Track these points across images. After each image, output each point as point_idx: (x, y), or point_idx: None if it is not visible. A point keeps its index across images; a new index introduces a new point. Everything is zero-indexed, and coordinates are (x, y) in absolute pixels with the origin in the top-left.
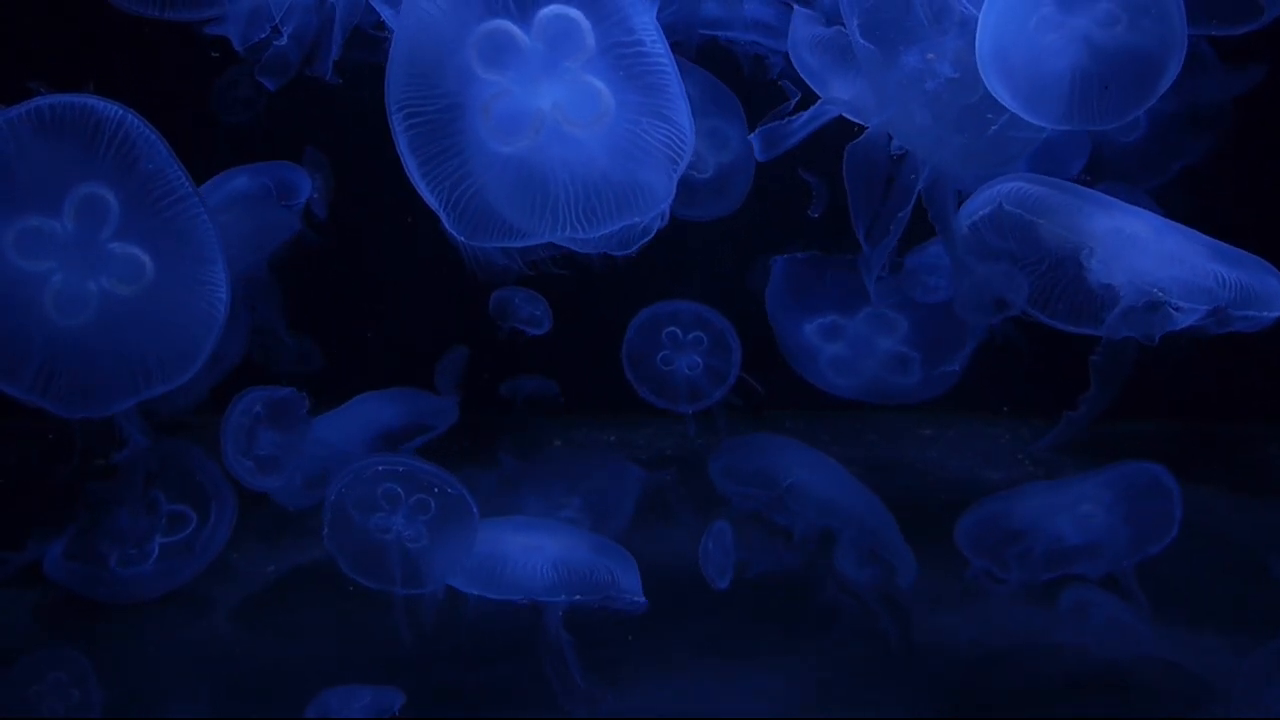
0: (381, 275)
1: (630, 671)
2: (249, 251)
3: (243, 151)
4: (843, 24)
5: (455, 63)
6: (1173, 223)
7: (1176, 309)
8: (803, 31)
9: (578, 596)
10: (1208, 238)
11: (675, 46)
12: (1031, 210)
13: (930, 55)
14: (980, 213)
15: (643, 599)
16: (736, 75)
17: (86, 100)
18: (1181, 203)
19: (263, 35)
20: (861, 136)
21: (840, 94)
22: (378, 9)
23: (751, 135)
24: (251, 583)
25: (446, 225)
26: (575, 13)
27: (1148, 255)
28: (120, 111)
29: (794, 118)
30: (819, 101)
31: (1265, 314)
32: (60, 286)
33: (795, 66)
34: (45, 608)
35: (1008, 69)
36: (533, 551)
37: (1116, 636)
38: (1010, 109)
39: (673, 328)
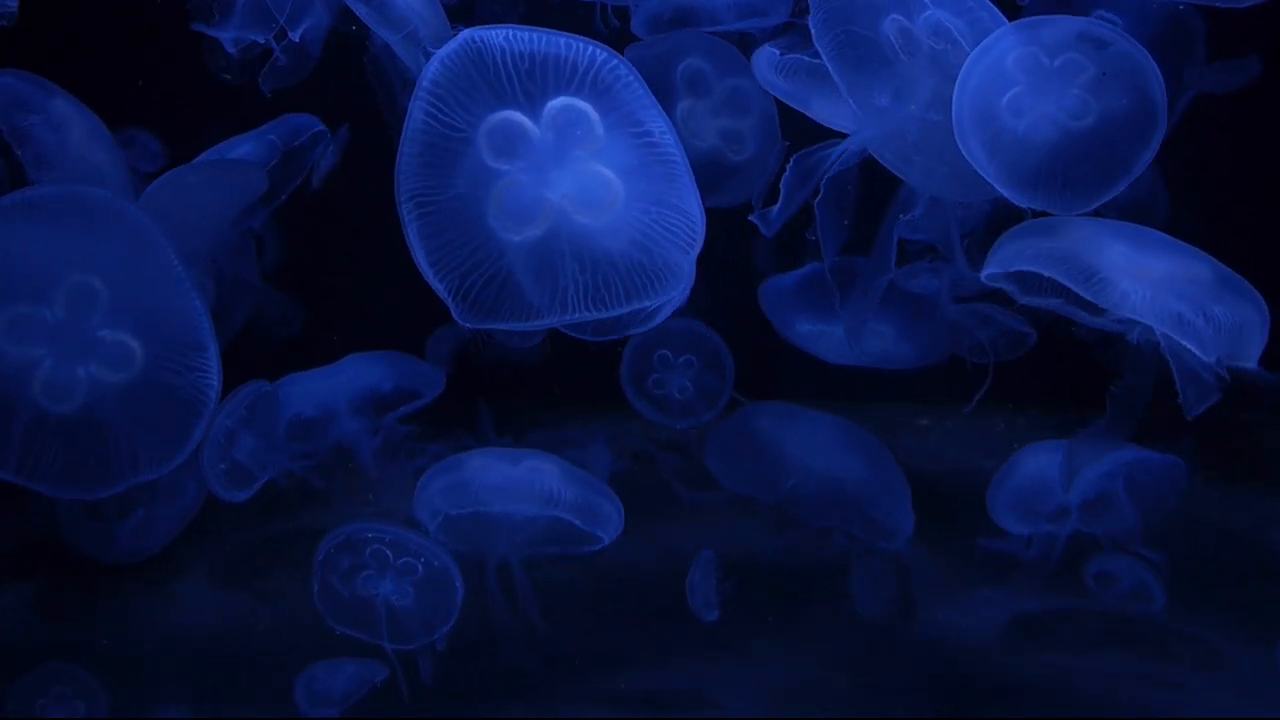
0: (382, 246)
1: (628, 665)
2: (223, 215)
3: (241, 112)
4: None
5: (465, 152)
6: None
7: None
8: (762, 57)
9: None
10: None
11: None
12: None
13: (911, 106)
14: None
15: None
16: None
17: (79, 189)
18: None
19: (259, 40)
20: (835, 168)
21: (822, 112)
22: (353, 8)
23: (751, 216)
24: (239, 559)
25: (453, 312)
26: (584, 104)
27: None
28: (107, 196)
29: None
30: (797, 157)
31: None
32: (49, 373)
33: (770, 92)
34: (36, 595)
35: (980, 143)
36: (535, 471)
37: (1143, 602)
38: (986, 179)
39: (664, 350)
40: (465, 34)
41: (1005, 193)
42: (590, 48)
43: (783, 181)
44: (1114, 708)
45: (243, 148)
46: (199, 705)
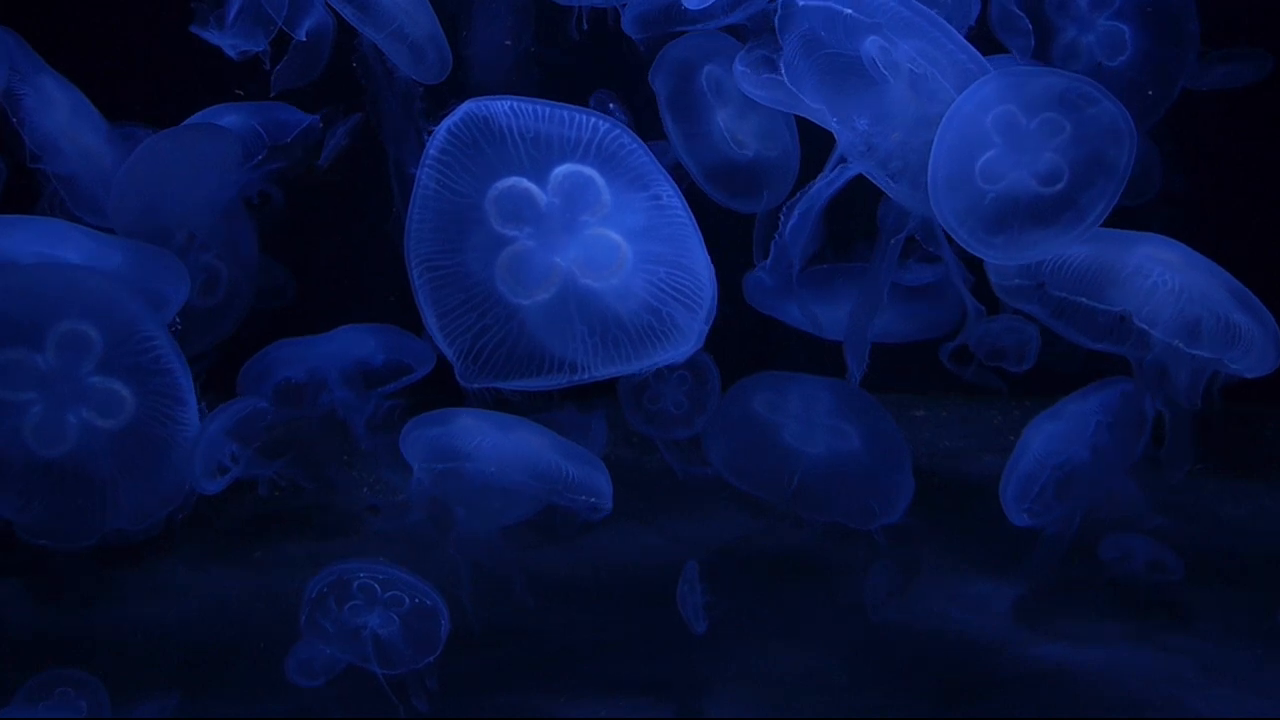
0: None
1: (625, 657)
2: (207, 180)
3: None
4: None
5: (474, 218)
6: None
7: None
8: (738, 73)
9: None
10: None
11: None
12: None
13: (895, 134)
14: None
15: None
16: None
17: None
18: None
19: (258, 48)
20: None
21: (810, 115)
22: (338, 9)
23: (758, 271)
24: (232, 540)
25: (459, 374)
26: (590, 170)
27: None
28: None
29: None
30: (788, 207)
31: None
32: (40, 418)
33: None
34: (32, 584)
35: (951, 208)
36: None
37: (1160, 575)
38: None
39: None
40: (470, 104)
41: (974, 250)
42: (592, 119)
43: (779, 234)
44: (1113, 702)
45: (228, 118)
46: (191, 691)
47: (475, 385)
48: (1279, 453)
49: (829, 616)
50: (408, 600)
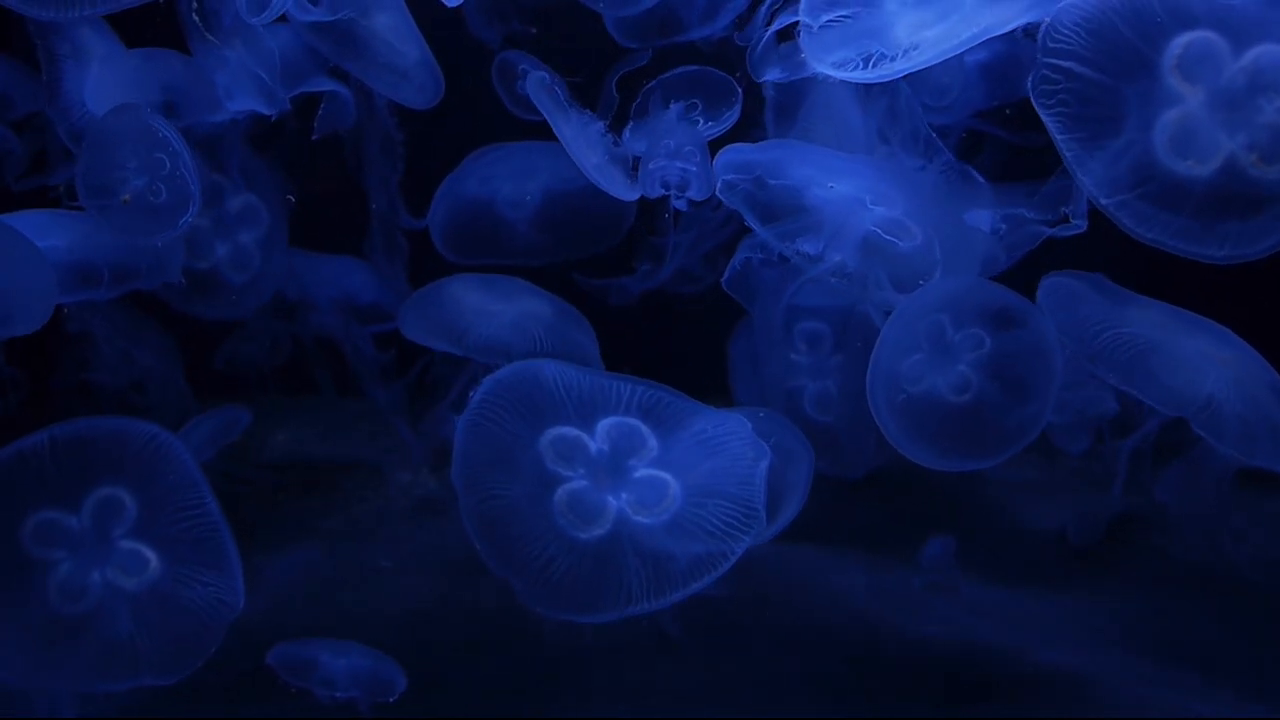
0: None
1: (621, 663)
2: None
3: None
4: None
5: (528, 459)
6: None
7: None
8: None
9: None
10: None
11: None
12: None
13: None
14: None
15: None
16: None
17: (119, 423)
18: None
19: (273, 111)
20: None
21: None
22: (318, 47)
23: None
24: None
25: (523, 598)
26: (634, 420)
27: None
28: (152, 431)
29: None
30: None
31: None
32: (66, 575)
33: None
34: None
35: (884, 399)
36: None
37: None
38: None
39: None
40: (521, 365)
41: (906, 452)
42: (628, 386)
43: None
44: (1115, 706)
45: None
46: (194, 692)
47: (544, 613)
48: None
49: (829, 619)
50: (367, 663)
